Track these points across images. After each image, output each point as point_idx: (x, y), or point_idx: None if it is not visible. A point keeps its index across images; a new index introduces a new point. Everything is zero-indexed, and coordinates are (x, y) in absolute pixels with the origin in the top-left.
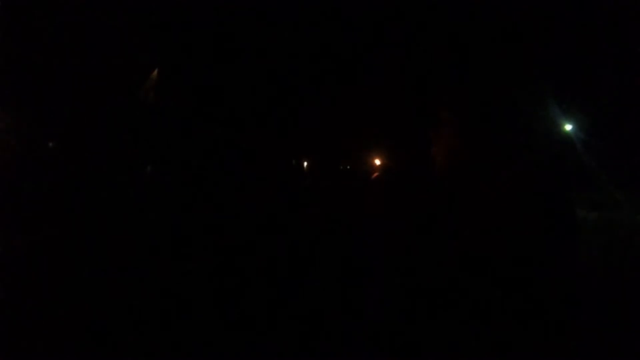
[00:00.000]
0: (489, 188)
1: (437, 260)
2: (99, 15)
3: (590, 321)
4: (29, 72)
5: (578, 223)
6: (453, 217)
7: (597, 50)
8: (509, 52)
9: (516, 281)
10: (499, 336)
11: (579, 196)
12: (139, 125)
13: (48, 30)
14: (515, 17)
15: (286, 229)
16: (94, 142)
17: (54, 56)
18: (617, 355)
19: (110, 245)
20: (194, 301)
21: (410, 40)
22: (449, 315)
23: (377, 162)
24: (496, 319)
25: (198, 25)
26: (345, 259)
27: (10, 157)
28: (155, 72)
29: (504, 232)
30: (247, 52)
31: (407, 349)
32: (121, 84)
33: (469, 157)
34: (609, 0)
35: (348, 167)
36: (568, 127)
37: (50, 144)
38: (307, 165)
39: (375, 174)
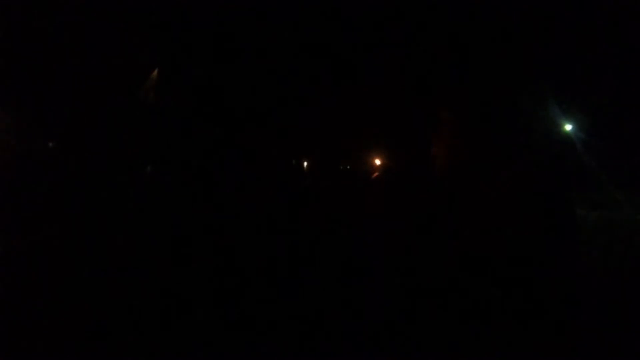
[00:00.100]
0: (489, 188)
1: (437, 260)
2: (99, 15)
3: (590, 321)
4: (29, 72)
5: (578, 223)
6: (453, 217)
7: (597, 50)
8: (509, 52)
9: (516, 281)
10: (499, 336)
11: (579, 196)
12: (139, 125)
13: (48, 30)
14: (515, 18)
15: (286, 228)
16: (94, 142)
17: (54, 56)
18: (617, 355)
19: (110, 245)
20: (194, 301)
21: (411, 40)
22: (449, 314)
23: (377, 162)
24: (496, 318)
25: (198, 25)
26: (345, 259)
27: (10, 157)
28: (155, 72)
29: (504, 232)
30: (247, 52)
31: (407, 349)
32: (121, 84)
33: (469, 157)
34: (609, 0)
35: (348, 167)
36: (568, 127)
37: (50, 144)
38: (307, 165)
39: (375, 174)
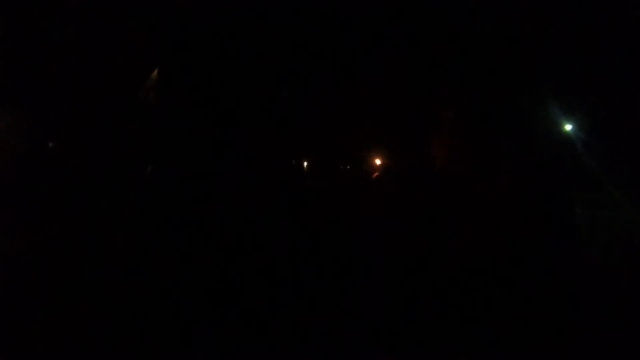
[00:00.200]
0: (489, 188)
1: (437, 259)
2: (99, 15)
3: (590, 321)
4: (29, 72)
5: (578, 223)
6: (453, 217)
7: (597, 50)
8: (509, 52)
9: (516, 280)
10: (499, 336)
11: (579, 196)
12: (139, 125)
13: (48, 30)
14: (516, 18)
15: (286, 228)
16: (94, 142)
17: (54, 56)
18: (617, 355)
19: (110, 245)
20: (194, 300)
21: (411, 40)
22: (449, 314)
23: (377, 162)
24: (496, 318)
25: (198, 25)
26: (346, 259)
27: (10, 157)
28: (155, 72)
29: (504, 232)
30: (247, 52)
31: (407, 349)
32: (121, 84)
33: (469, 157)
34: (609, 0)
35: (348, 167)
36: (568, 127)
37: (50, 144)
38: (307, 165)
39: (375, 174)
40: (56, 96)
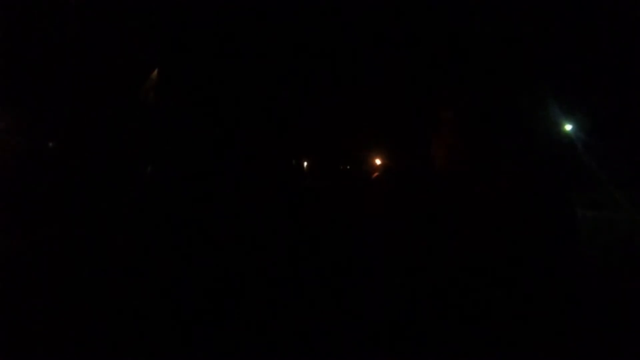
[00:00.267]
0: (489, 188)
1: (437, 260)
2: (99, 15)
3: (590, 321)
4: (29, 72)
5: (578, 223)
6: (453, 217)
7: (597, 50)
8: (509, 52)
9: (516, 281)
10: (499, 336)
11: (579, 196)
12: (139, 125)
13: (48, 30)
14: (516, 18)
15: (286, 228)
16: (94, 142)
17: (54, 56)
18: (617, 355)
19: (110, 245)
20: (194, 300)
21: (410, 40)
22: (449, 314)
23: (377, 162)
24: (496, 318)
25: (198, 25)
26: (345, 259)
27: (10, 157)
28: (155, 72)
29: (504, 232)
30: (247, 52)
31: (407, 349)
32: (121, 84)
33: (469, 157)
34: (609, 0)
35: (348, 167)
36: (568, 127)
37: (50, 144)
38: (307, 165)
39: (375, 174)
40: (56, 96)
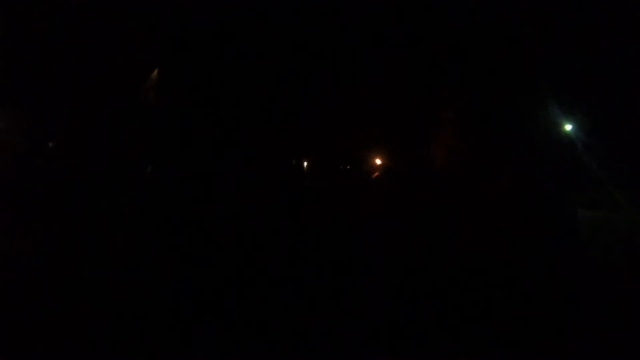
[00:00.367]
0: (489, 188)
1: (437, 260)
2: (99, 15)
3: (590, 321)
4: (29, 72)
5: (578, 223)
6: (453, 217)
7: (597, 50)
8: (509, 53)
9: (516, 281)
10: (499, 336)
11: (579, 196)
12: (139, 125)
13: (48, 30)
14: (516, 18)
15: (286, 228)
16: (94, 142)
17: (54, 56)
18: (617, 355)
19: (110, 245)
20: (194, 300)
21: (411, 40)
22: (449, 314)
23: (377, 162)
24: (496, 318)
25: (198, 25)
26: (345, 259)
27: (10, 157)
28: (155, 72)
29: (504, 232)
30: (247, 52)
31: (407, 349)
32: (121, 84)
33: (469, 158)
34: (609, 0)
35: (348, 167)
36: (568, 127)
37: (50, 144)
38: (307, 165)
39: (375, 174)
40: (56, 96)
